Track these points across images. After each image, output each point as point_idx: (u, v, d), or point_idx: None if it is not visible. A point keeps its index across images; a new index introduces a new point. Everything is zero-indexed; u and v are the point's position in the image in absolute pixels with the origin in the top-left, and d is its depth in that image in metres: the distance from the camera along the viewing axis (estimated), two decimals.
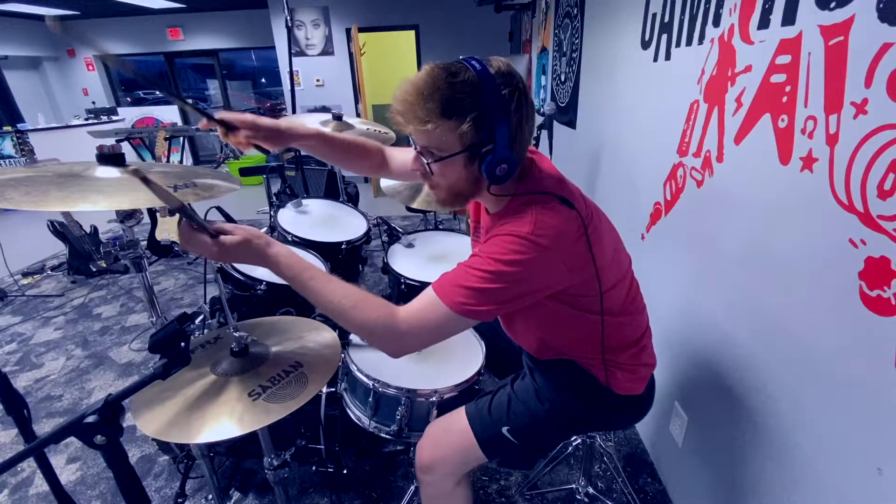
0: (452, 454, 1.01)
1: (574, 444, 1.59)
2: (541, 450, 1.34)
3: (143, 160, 4.30)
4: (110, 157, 0.95)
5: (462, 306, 0.78)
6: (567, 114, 2.89)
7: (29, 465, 1.77)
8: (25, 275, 3.55)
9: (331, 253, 1.84)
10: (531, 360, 1.08)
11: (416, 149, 0.85)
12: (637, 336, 1.01)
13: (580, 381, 1.00)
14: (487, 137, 0.77)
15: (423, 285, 1.61)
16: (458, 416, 1.03)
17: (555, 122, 3.22)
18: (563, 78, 2.97)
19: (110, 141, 3.66)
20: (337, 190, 2.66)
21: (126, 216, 1.24)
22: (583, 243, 0.82)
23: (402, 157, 1.14)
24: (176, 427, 0.84)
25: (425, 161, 0.83)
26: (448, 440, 1.02)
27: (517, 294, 0.80)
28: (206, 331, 1.09)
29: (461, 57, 0.78)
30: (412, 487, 1.44)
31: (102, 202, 0.81)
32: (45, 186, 0.82)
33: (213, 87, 8.54)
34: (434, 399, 1.06)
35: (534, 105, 0.84)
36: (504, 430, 0.99)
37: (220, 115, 0.90)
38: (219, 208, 1.64)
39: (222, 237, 0.78)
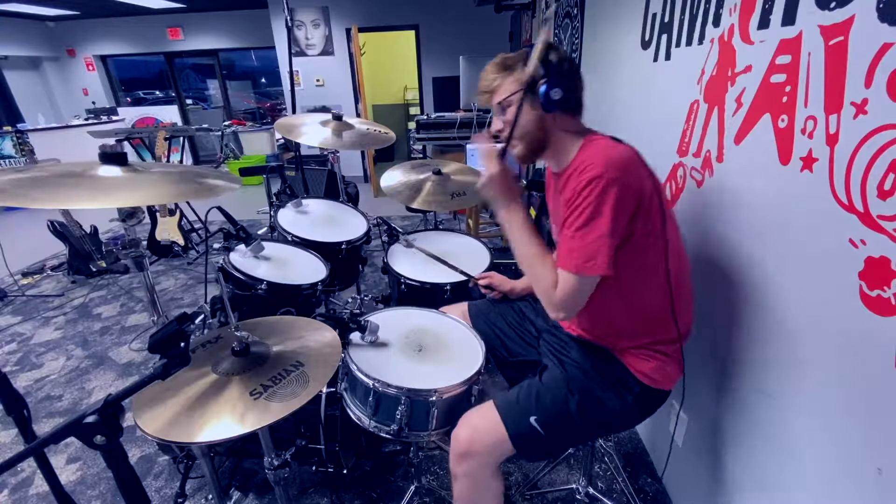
0: (486, 439, 1.02)
1: None
2: (565, 446, 1.39)
3: (143, 160, 4.30)
4: (112, 157, 0.99)
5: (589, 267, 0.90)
6: None
7: (29, 465, 1.77)
8: (25, 275, 3.55)
9: (331, 253, 1.84)
10: (565, 347, 1.12)
11: (497, 116, 1.06)
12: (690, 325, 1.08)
13: (613, 371, 1.04)
14: (541, 73, 0.96)
15: (423, 285, 1.62)
16: (489, 407, 1.05)
17: None
18: None
19: (111, 141, 3.67)
20: (337, 190, 2.66)
21: (127, 215, 1.24)
22: (647, 177, 0.95)
23: None
24: (177, 426, 0.84)
25: (502, 117, 1.03)
26: (484, 426, 1.03)
27: (618, 231, 0.90)
28: (205, 331, 1.09)
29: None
30: (412, 487, 1.44)
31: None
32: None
33: (213, 86, 8.54)
34: (434, 399, 1.06)
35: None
36: (532, 419, 1.01)
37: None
38: (219, 208, 1.64)
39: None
